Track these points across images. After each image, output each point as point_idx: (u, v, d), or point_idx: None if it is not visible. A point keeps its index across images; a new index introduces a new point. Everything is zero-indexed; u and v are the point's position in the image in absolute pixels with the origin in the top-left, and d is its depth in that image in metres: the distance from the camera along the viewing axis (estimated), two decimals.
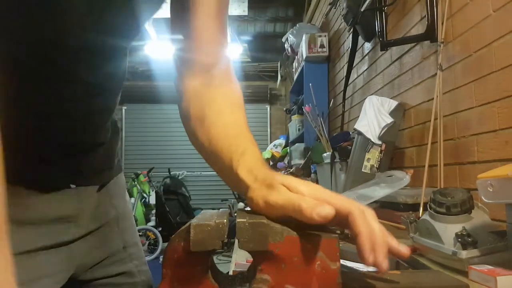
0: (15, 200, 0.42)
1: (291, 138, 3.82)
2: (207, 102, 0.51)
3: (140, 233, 4.26)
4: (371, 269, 0.70)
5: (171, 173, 5.44)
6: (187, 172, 5.68)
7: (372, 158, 1.69)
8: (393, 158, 1.76)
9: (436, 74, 1.38)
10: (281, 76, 5.35)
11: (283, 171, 3.46)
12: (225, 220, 0.39)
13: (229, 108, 0.51)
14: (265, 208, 0.39)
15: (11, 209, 0.31)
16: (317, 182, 2.40)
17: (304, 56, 3.18)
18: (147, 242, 4.35)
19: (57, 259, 0.48)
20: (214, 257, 0.40)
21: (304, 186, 0.38)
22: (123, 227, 0.60)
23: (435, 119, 1.35)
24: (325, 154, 2.18)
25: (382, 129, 1.67)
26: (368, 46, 2.25)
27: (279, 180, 0.39)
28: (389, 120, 1.66)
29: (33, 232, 0.45)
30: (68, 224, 0.50)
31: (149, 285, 0.60)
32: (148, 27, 3.09)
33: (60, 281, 0.49)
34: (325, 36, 3.14)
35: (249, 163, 0.43)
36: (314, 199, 0.36)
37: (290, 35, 3.53)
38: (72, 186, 0.49)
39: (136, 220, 3.94)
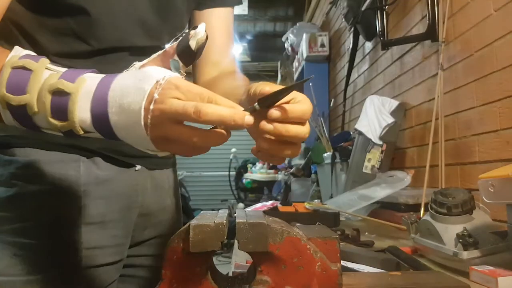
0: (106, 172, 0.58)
1: None
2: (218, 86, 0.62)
3: None
4: (371, 270, 0.70)
5: None
6: (186, 172, 5.69)
7: (373, 158, 1.68)
8: (394, 158, 1.76)
9: (437, 73, 1.37)
10: (281, 76, 5.35)
11: (283, 171, 3.46)
12: (225, 221, 0.38)
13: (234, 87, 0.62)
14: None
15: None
16: (317, 182, 2.40)
17: (305, 55, 3.17)
18: None
19: (122, 232, 0.60)
20: (214, 258, 0.40)
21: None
22: (176, 217, 0.71)
23: (436, 119, 1.34)
24: (325, 154, 2.18)
25: (383, 129, 1.66)
26: (368, 45, 2.24)
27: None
28: (390, 120, 1.66)
29: (107, 207, 0.58)
30: (136, 198, 0.62)
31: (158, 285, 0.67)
32: None
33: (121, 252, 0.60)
34: (325, 35, 3.14)
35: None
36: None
37: (290, 35, 3.53)
38: (138, 167, 0.62)
39: None
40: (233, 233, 0.38)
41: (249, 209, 1.41)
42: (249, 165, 4.30)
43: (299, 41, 3.38)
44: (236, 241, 0.38)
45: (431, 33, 1.43)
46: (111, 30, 0.55)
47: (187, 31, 0.41)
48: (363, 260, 0.71)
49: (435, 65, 1.44)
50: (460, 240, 0.65)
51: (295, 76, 3.69)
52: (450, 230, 0.70)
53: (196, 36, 0.39)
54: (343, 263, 0.65)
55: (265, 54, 5.41)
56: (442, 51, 1.35)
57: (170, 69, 0.39)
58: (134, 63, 0.43)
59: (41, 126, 0.40)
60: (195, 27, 0.41)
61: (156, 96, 0.36)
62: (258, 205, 1.43)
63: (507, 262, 0.62)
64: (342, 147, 2.00)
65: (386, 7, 1.82)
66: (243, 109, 0.38)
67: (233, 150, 4.66)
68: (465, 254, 0.64)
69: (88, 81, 0.38)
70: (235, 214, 0.43)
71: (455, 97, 1.32)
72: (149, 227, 0.67)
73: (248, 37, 4.98)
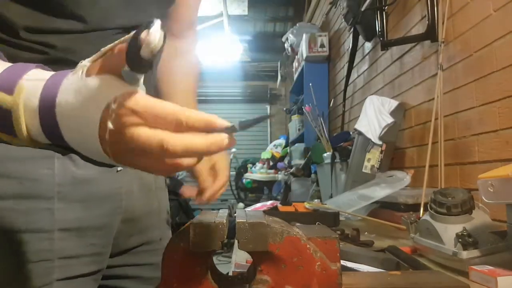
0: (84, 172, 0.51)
1: (291, 138, 3.81)
2: (165, 72, 0.59)
3: None
4: (371, 269, 0.70)
5: None
6: (186, 172, 5.67)
7: (372, 158, 1.69)
8: (393, 158, 1.76)
9: (436, 74, 1.37)
10: (281, 76, 5.35)
11: (283, 171, 3.46)
12: (225, 221, 0.38)
13: (183, 81, 0.60)
14: None
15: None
16: (317, 182, 2.40)
17: (304, 55, 3.17)
18: None
19: (102, 241, 0.53)
20: (214, 258, 0.40)
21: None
22: (163, 219, 0.65)
23: (436, 119, 1.35)
24: (325, 154, 2.18)
25: (383, 129, 1.67)
26: (368, 45, 2.24)
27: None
28: (390, 120, 1.66)
29: (85, 211, 0.51)
30: (120, 202, 0.55)
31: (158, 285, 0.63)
32: None
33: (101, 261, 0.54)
34: (325, 35, 3.14)
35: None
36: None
37: (290, 35, 3.53)
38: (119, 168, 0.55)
39: None
40: (233, 232, 0.38)
41: (249, 209, 1.41)
42: (249, 165, 4.30)
43: (299, 41, 3.38)
44: (236, 241, 0.38)
45: (430, 33, 1.43)
46: (92, 4, 0.48)
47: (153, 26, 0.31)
48: (363, 259, 0.71)
49: (434, 65, 1.44)
50: (460, 240, 0.66)
51: (295, 76, 3.69)
52: (449, 230, 0.70)
53: (149, 44, 0.30)
54: (343, 262, 0.65)
55: (265, 54, 5.41)
56: (442, 51, 1.35)
57: (121, 77, 0.32)
58: (80, 63, 0.35)
59: None
60: (147, 25, 0.31)
61: (110, 125, 0.30)
62: (258, 205, 1.43)
63: (507, 262, 0.62)
64: (341, 147, 2.00)
65: (386, 8, 1.82)
66: (221, 125, 0.30)
67: (233, 150, 4.67)
68: (464, 254, 0.64)
69: (28, 92, 0.33)
70: (235, 214, 0.43)
71: (454, 97, 1.32)
72: (135, 234, 0.60)
73: (248, 37, 4.98)
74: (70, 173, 0.50)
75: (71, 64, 0.45)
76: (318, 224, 0.67)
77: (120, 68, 0.32)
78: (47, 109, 0.32)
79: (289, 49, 3.60)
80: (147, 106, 0.30)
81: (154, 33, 0.30)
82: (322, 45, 3.12)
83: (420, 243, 0.78)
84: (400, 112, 1.71)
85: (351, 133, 2.11)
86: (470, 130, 1.23)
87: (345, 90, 2.61)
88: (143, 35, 0.30)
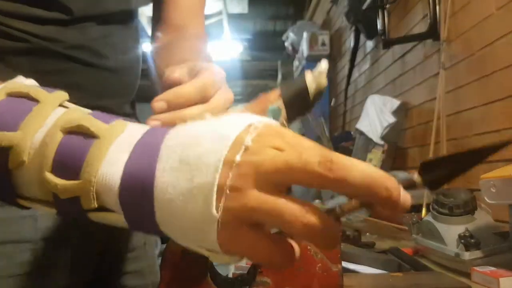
0: None
1: None
2: (174, 51, 0.50)
3: None
4: (372, 271, 0.69)
5: None
6: None
7: (374, 158, 1.68)
8: (395, 158, 1.75)
9: (438, 73, 1.37)
10: (282, 75, 5.35)
11: None
12: None
13: (193, 57, 0.49)
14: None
15: None
16: None
17: (305, 54, 3.17)
18: None
19: (87, 249, 0.49)
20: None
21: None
22: None
23: (438, 118, 1.34)
24: None
25: (384, 129, 1.66)
26: (370, 44, 2.24)
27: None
28: (392, 119, 1.65)
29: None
30: None
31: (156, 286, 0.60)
32: (146, 26, 3.10)
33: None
34: (326, 34, 3.13)
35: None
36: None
37: (291, 33, 3.52)
38: None
39: None
40: None
41: None
42: None
43: (299, 40, 3.37)
44: None
45: (432, 32, 1.43)
46: None
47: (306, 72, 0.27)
48: (364, 261, 0.70)
49: (436, 64, 1.43)
50: (462, 241, 0.65)
51: (296, 75, 3.69)
52: (451, 231, 0.69)
53: (318, 77, 0.26)
54: (344, 264, 0.65)
55: (265, 53, 5.40)
56: (444, 50, 1.34)
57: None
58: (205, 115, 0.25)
59: (20, 191, 0.24)
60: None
61: (248, 142, 0.20)
62: None
63: (509, 263, 0.62)
64: (343, 147, 2.00)
65: (387, 6, 1.81)
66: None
67: None
68: (466, 255, 0.64)
69: (130, 126, 0.23)
70: None
71: (456, 96, 1.31)
72: (120, 241, 0.56)
73: (248, 36, 4.98)
74: None
75: (56, 55, 0.42)
76: None
77: (263, 109, 0.27)
78: (150, 139, 0.22)
79: (290, 48, 3.60)
80: (296, 135, 0.22)
81: (323, 67, 0.27)
82: (323, 44, 3.12)
83: (422, 244, 0.78)
84: (402, 111, 1.70)
85: (352, 133, 2.11)
86: (472, 130, 1.23)
87: (346, 89, 2.61)
88: (309, 75, 0.27)
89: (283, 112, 0.26)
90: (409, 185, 0.23)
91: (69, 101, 0.28)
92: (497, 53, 1.11)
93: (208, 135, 0.21)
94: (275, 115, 0.26)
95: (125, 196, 0.21)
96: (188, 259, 0.38)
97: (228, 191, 0.20)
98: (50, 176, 0.22)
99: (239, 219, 0.20)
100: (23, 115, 0.23)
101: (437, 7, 1.41)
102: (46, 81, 0.29)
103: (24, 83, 0.26)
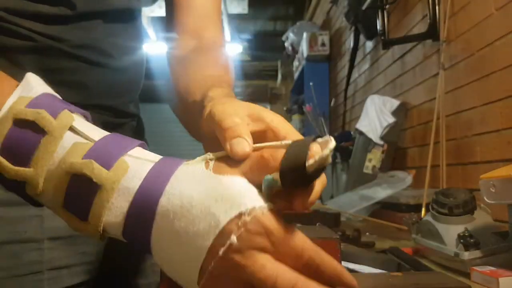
0: None
1: None
2: (190, 64, 0.48)
3: None
4: (372, 271, 0.69)
5: None
6: None
7: (373, 158, 1.68)
8: (395, 158, 1.75)
9: (438, 73, 1.37)
10: (282, 75, 5.35)
11: None
12: None
13: (213, 66, 0.47)
14: (205, 119, 0.30)
15: None
16: None
17: (305, 55, 3.17)
18: None
19: (93, 249, 0.50)
20: None
21: (271, 115, 0.29)
22: None
23: (437, 118, 1.34)
24: None
25: (384, 129, 1.66)
26: (369, 44, 2.24)
27: (249, 104, 0.31)
28: (391, 119, 1.65)
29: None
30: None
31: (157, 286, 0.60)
32: (147, 26, 3.10)
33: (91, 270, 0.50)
34: (326, 34, 3.13)
35: (225, 91, 0.36)
36: (267, 126, 0.29)
37: (291, 34, 3.52)
38: None
39: None
40: None
41: None
42: None
43: (299, 40, 3.37)
44: None
45: (432, 33, 1.43)
46: None
47: (308, 138, 0.26)
48: (364, 261, 0.70)
49: (436, 65, 1.44)
50: (461, 241, 0.65)
51: (296, 75, 3.69)
52: (451, 231, 0.69)
53: (321, 159, 0.24)
54: (344, 264, 0.65)
55: (265, 53, 5.40)
56: (443, 50, 1.34)
57: (259, 186, 0.26)
58: (207, 154, 0.27)
59: (44, 203, 0.28)
60: (316, 137, 0.26)
61: (234, 239, 0.23)
62: None
63: (509, 263, 0.62)
64: (342, 147, 2.00)
65: (387, 6, 1.81)
66: (350, 283, 0.25)
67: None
68: (466, 255, 0.64)
69: (131, 171, 0.25)
70: None
71: (456, 96, 1.32)
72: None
73: (248, 36, 4.98)
74: None
75: (61, 53, 0.42)
76: (318, 225, 0.66)
77: (260, 174, 0.26)
78: (147, 197, 0.24)
79: (290, 48, 3.60)
80: (281, 231, 0.24)
81: (329, 145, 0.24)
82: (323, 44, 3.12)
83: (421, 244, 0.78)
84: (401, 111, 1.71)
85: (352, 133, 2.11)
86: (472, 130, 1.23)
87: (346, 90, 2.61)
88: (314, 148, 0.25)
89: (278, 183, 0.25)
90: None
91: (74, 100, 0.29)
92: (496, 53, 1.11)
93: (200, 214, 0.24)
94: (270, 187, 0.25)
95: (127, 238, 0.26)
96: None
97: (208, 275, 0.24)
98: (64, 212, 0.26)
99: (225, 267, 0.24)
100: (33, 149, 0.25)
101: (437, 8, 1.41)
102: (51, 80, 0.30)
103: (35, 92, 0.27)
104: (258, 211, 0.24)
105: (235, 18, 4.26)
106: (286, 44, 3.68)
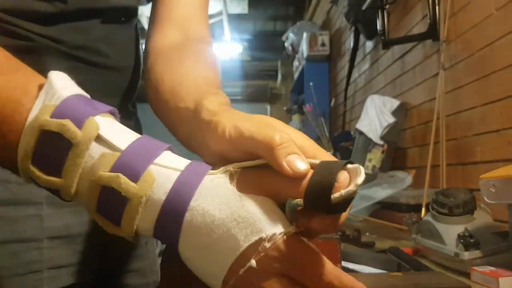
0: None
1: None
2: (176, 60, 0.44)
3: None
4: (372, 271, 0.70)
5: None
6: None
7: (373, 158, 1.68)
8: (395, 158, 1.75)
9: (438, 73, 1.37)
10: (282, 75, 5.35)
11: None
12: None
13: (202, 66, 0.44)
14: (230, 137, 0.28)
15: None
16: None
17: (305, 54, 3.17)
18: None
19: (92, 248, 0.49)
20: None
21: (292, 131, 0.29)
22: None
23: (437, 118, 1.34)
24: None
25: (384, 129, 1.66)
26: (369, 44, 2.24)
27: (260, 116, 0.30)
28: (391, 119, 1.65)
29: (75, 218, 0.47)
30: None
31: (156, 286, 0.60)
32: (146, 26, 3.12)
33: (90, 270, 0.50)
34: (326, 34, 3.13)
35: (222, 100, 0.33)
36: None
37: (291, 34, 3.52)
38: None
39: None
40: None
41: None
42: None
43: (299, 40, 3.37)
44: None
45: (432, 33, 1.43)
46: None
47: (336, 161, 0.25)
48: (364, 260, 0.70)
49: (436, 65, 1.44)
50: (461, 241, 0.65)
51: (296, 75, 3.69)
52: (451, 231, 0.69)
53: (347, 192, 0.23)
54: (344, 264, 0.65)
55: (265, 53, 5.40)
56: (443, 50, 1.34)
57: (283, 208, 0.25)
58: (229, 167, 0.27)
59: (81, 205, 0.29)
60: (346, 163, 0.25)
61: (253, 263, 0.24)
62: None
63: (509, 263, 0.62)
64: (342, 147, 2.00)
65: (387, 6, 1.81)
66: None
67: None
68: (466, 255, 0.64)
69: (157, 183, 0.26)
70: None
71: (456, 96, 1.32)
72: (124, 239, 0.55)
73: (248, 36, 4.98)
74: None
75: (59, 54, 0.42)
76: None
77: (284, 195, 0.25)
78: (173, 212, 0.25)
79: (290, 48, 3.60)
80: (301, 256, 0.24)
81: (357, 181, 0.23)
82: (323, 44, 3.12)
83: (421, 244, 0.78)
84: (401, 111, 1.71)
85: (352, 133, 2.11)
86: (471, 130, 1.23)
87: (346, 90, 2.61)
88: (342, 178, 0.24)
89: (299, 207, 0.25)
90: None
91: None
92: (496, 53, 1.11)
93: (222, 235, 0.25)
94: (292, 212, 0.25)
95: (158, 238, 0.27)
96: None
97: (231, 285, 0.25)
98: (98, 216, 0.27)
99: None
100: (61, 160, 0.26)
101: (437, 8, 1.41)
102: None
103: (60, 95, 0.27)
104: (279, 237, 0.24)
105: (235, 18, 4.26)
106: (286, 44, 3.68)
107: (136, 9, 0.51)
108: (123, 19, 0.48)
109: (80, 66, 0.44)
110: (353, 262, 0.70)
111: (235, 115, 0.29)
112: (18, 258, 0.44)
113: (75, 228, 0.48)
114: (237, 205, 0.25)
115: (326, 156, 0.28)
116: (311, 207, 0.24)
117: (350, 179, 0.25)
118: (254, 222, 0.25)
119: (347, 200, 0.24)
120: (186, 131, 0.35)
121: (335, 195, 0.23)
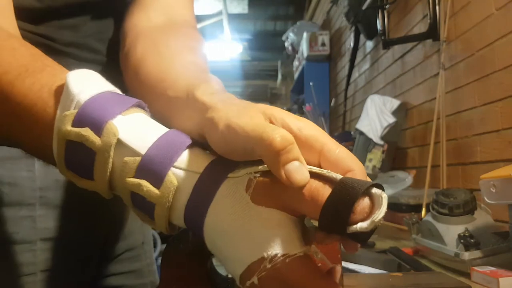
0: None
1: None
2: (161, 42, 0.40)
3: None
4: (372, 271, 0.69)
5: None
6: None
7: (374, 158, 1.68)
8: (395, 158, 1.75)
9: (438, 73, 1.37)
10: (282, 75, 5.35)
11: None
12: None
13: (189, 50, 0.41)
14: (225, 139, 0.26)
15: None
16: None
17: (305, 54, 3.17)
18: None
19: (87, 250, 0.49)
20: (213, 259, 0.39)
21: (296, 121, 0.27)
22: (145, 225, 0.59)
23: (438, 118, 1.34)
24: None
25: (384, 129, 1.66)
26: (369, 44, 2.24)
27: (261, 106, 0.28)
28: (391, 119, 1.65)
29: (68, 218, 0.47)
30: (106, 208, 0.49)
31: (156, 286, 0.60)
32: None
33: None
34: (326, 34, 3.13)
35: (214, 88, 0.31)
36: (305, 137, 0.25)
37: (291, 34, 3.53)
38: None
39: None
40: None
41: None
42: None
43: (299, 40, 3.37)
44: None
45: (432, 33, 1.43)
46: None
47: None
48: (364, 261, 0.70)
49: (436, 65, 1.44)
50: (462, 241, 0.65)
51: (296, 75, 3.69)
52: (451, 231, 0.69)
53: (376, 215, 0.21)
54: (344, 264, 0.65)
55: (265, 53, 5.40)
56: (444, 50, 1.34)
57: (295, 231, 0.24)
58: (250, 170, 0.26)
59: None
60: (370, 186, 0.23)
61: (255, 280, 0.24)
62: None
63: (509, 263, 0.62)
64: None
65: (387, 6, 1.81)
66: None
67: None
68: (466, 255, 0.64)
69: (178, 189, 0.27)
70: None
71: (456, 96, 1.32)
72: (120, 240, 0.55)
73: (248, 36, 4.98)
74: (52, 175, 0.44)
75: (51, 50, 0.42)
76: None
77: (300, 212, 0.24)
78: (194, 216, 0.26)
79: (290, 48, 3.60)
80: (301, 281, 0.24)
81: (379, 213, 0.21)
82: (323, 44, 3.12)
83: (422, 244, 0.78)
84: (401, 111, 1.71)
85: (352, 133, 2.11)
86: (472, 130, 1.23)
87: (346, 90, 2.61)
88: (359, 207, 0.22)
89: (314, 232, 0.24)
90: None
91: None
92: (497, 53, 1.11)
93: (230, 246, 0.26)
94: (312, 229, 0.25)
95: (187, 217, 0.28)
96: (188, 259, 0.38)
97: None
98: (135, 209, 0.28)
99: None
100: (90, 165, 0.27)
101: (437, 8, 1.41)
102: None
103: (73, 92, 0.27)
104: (280, 259, 0.24)
105: (235, 18, 4.26)
106: (286, 44, 3.68)
107: (126, 5, 0.50)
108: (113, 14, 0.48)
109: (72, 62, 0.44)
110: (353, 262, 0.70)
111: (231, 109, 0.27)
112: (11, 260, 0.43)
113: (68, 229, 0.47)
114: (249, 217, 0.25)
115: (335, 146, 0.26)
116: (326, 231, 0.23)
117: (373, 207, 0.23)
118: (261, 239, 0.24)
119: (365, 234, 0.22)
120: (178, 124, 0.33)
121: (351, 228, 0.22)
